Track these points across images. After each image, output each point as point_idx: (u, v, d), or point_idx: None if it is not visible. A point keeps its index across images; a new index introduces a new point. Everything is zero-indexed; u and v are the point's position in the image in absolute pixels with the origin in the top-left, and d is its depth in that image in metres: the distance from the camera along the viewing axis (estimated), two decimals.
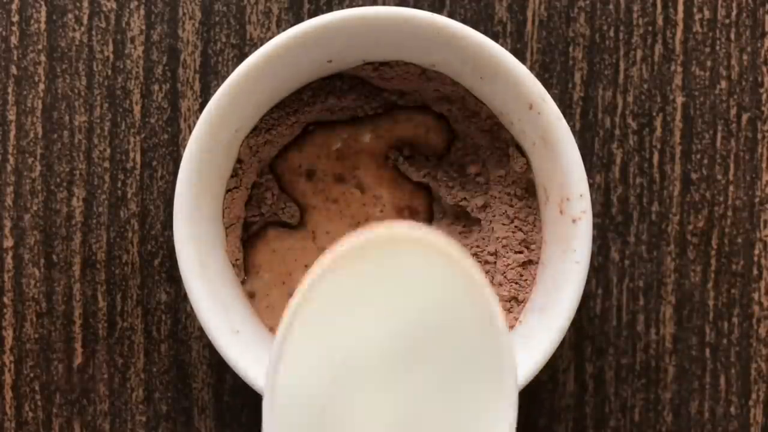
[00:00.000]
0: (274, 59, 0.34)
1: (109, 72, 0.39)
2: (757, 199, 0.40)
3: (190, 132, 0.36)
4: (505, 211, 0.37)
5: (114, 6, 0.39)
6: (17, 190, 0.39)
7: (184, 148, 0.35)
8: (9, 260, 0.39)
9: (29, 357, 0.39)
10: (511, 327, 0.36)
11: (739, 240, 0.40)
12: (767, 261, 0.39)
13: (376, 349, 0.27)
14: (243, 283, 0.37)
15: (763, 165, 0.40)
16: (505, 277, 0.36)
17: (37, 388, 0.39)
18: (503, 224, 0.37)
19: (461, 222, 0.38)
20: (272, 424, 0.26)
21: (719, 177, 0.40)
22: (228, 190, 0.37)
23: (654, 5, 0.39)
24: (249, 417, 0.39)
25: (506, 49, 0.35)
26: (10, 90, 0.39)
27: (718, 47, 0.40)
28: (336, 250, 0.26)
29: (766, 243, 0.40)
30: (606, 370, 0.39)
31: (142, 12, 0.39)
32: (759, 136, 0.40)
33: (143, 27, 0.39)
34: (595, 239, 0.39)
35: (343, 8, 0.37)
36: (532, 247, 0.37)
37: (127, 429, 0.40)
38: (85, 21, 0.39)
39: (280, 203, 0.38)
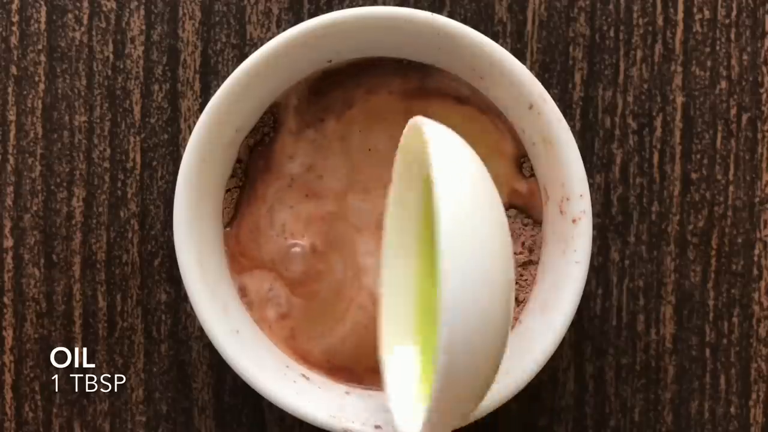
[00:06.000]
0: (274, 59, 0.34)
1: (109, 72, 0.39)
2: (757, 199, 0.40)
3: (190, 132, 0.36)
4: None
5: (114, 6, 0.39)
6: (17, 190, 0.39)
7: (184, 148, 0.35)
8: (9, 260, 0.39)
9: (29, 357, 0.39)
10: (511, 327, 0.36)
11: (739, 240, 0.40)
12: (767, 261, 0.39)
13: None
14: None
15: (763, 165, 0.40)
16: None
17: (37, 388, 0.39)
18: None
19: None
20: None
21: (719, 177, 0.40)
22: (228, 190, 0.37)
23: (654, 5, 0.39)
24: (249, 417, 0.39)
25: (506, 49, 0.35)
26: (10, 90, 0.39)
27: (718, 47, 0.40)
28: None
29: (766, 243, 0.40)
30: (606, 370, 0.39)
31: (142, 12, 0.39)
32: (759, 136, 0.40)
33: (143, 27, 0.39)
34: (595, 239, 0.39)
35: (343, 8, 0.37)
36: (532, 247, 0.37)
37: (127, 429, 0.39)
38: (85, 21, 0.39)
39: None
